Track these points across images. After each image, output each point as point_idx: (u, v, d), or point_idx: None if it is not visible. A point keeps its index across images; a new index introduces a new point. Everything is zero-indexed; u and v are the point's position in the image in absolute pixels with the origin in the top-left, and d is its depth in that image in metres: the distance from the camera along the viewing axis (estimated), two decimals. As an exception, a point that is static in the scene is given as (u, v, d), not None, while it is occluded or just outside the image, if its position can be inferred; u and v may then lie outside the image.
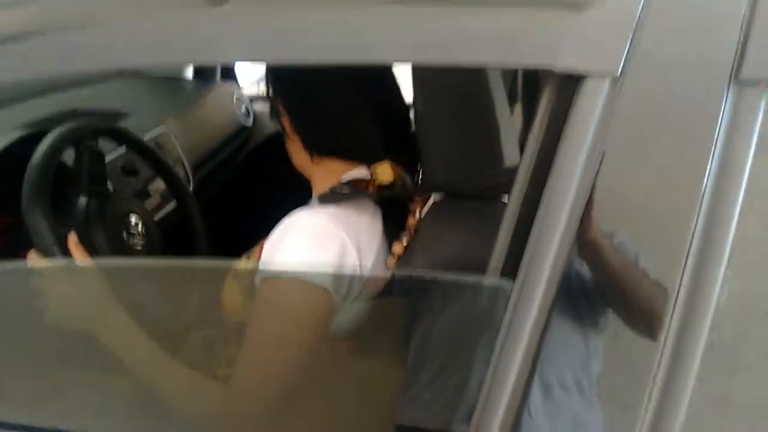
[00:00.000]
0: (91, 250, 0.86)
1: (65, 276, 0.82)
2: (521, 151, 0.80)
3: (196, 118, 1.72)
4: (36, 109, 1.39)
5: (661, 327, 0.51)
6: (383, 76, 0.89)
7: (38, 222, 0.83)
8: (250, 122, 2.01)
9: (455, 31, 0.50)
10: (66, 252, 0.83)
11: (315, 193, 0.90)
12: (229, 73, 2.11)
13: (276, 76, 0.89)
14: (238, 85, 2.10)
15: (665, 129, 0.51)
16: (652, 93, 0.50)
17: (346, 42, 0.54)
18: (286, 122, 0.89)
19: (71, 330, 0.81)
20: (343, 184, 0.85)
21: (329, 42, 0.55)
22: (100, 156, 1.00)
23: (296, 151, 0.90)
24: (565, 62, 0.49)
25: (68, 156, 0.96)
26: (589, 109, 0.49)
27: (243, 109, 1.99)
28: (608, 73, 0.49)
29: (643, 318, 0.53)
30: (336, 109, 0.84)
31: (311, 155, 0.87)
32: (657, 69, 0.50)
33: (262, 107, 2.06)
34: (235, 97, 1.98)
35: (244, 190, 1.89)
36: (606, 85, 0.49)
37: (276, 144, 0.92)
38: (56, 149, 0.89)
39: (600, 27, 0.49)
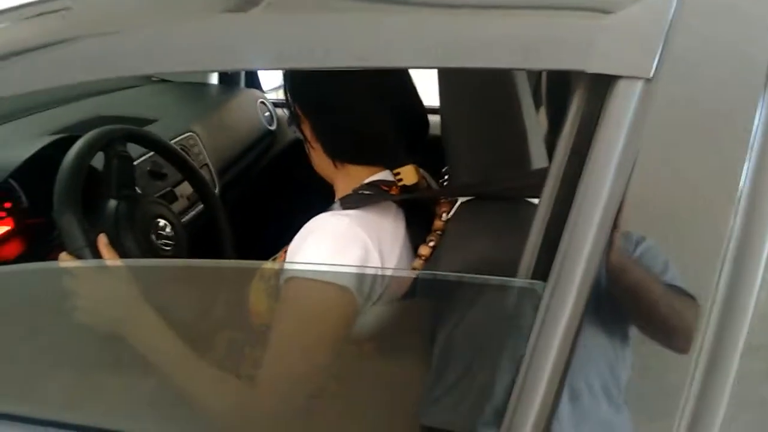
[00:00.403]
0: (121, 252, 0.88)
1: (96, 277, 0.83)
2: (548, 153, 0.80)
3: (221, 123, 1.74)
4: (66, 115, 1.42)
5: (697, 332, 0.50)
6: (402, 80, 0.89)
7: (69, 224, 0.84)
8: (273, 127, 2.03)
9: (487, 35, 0.50)
10: (96, 254, 0.84)
11: (338, 197, 0.90)
12: (252, 79, 2.13)
13: (296, 83, 0.89)
14: (262, 91, 2.13)
15: (699, 131, 0.50)
16: (685, 95, 0.50)
17: (377, 47, 0.54)
18: (306, 129, 0.89)
19: (101, 330, 0.83)
20: (365, 185, 0.86)
21: (356, 47, 0.55)
22: (129, 160, 1.01)
23: (318, 158, 0.91)
24: (597, 64, 0.48)
25: (97, 160, 0.98)
26: (622, 111, 0.49)
27: (266, 114, 2.01)
28: (641, 74, 0.48)
29: (678, 322, 0.52)
30: (357, 115, 0.85)
31: (334, 161, 0.88)
32: (690, 70, 0.49)
33: (285, 112, 2.08)
34: (258, 102, 2.00)
35: (269, 194, 1.90)
36: (638, 87, 0.48)
37: (299, 149, 0.93)
38: (87, 153, 0.91)
39: (632, 28, 0.49)
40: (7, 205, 1.12)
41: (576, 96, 0.51)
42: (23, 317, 0.84)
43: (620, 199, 0.50)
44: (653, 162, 0.50)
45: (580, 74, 0.50)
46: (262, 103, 2.02)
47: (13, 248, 1.10)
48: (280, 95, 2.24)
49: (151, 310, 0.79)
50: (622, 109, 0.49)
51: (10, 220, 1.11)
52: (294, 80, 0.89)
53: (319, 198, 0.97)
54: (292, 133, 1.98)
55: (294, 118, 0.91)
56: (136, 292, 0.80)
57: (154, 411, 0.83)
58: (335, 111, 0.85)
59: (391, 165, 0.86)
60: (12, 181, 1.13)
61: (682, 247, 0.52)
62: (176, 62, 0.61)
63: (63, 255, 0.86)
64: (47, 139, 1.13)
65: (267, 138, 1.97)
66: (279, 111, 2.09)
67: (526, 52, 0.50)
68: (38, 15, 0.65)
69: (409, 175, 0.85)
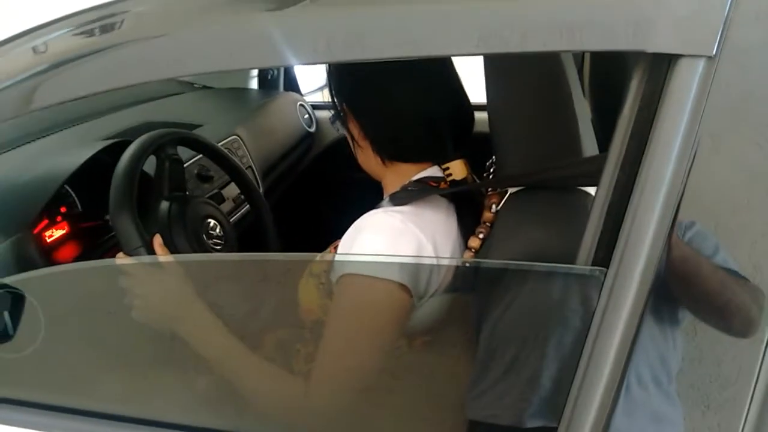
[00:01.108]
0: (174, 252, 0.90)
1: (152, 276, 0.85)
2: (598, 139, 0.79)
3: (263, 127, 1.77)
4: (114, 122, 1.46)
5: (765, 320, 0.48)
6: (449, 76, 0.88)
7: (126, 226, 0.86)
8: (313, 129, 2.05)
9: (545, 19, 0.49)
10: (152, 253, 0.86)
11: (386, 195, 0.90)
12: (291, 83, 2.16)
13: (344, 82, 0.88)
14: (300, 94, 2.15)
15: (763, 109, 0.49)
16: (748, 72, 0.48)
17: (419, 36, 0.54)
18: (354, 128, 0.89)
19: (157, 327, 0.84)
20: (414, 182, 0.86)
21: (396, 36, 0.54)
22: (180, 163, 1.04)
23: (366, 156, 0.91)
24: (657, 44, 0.47)
25: (147, 165, 1.00)
26: (684, 91, 0.47)
27: (306, 117, 2.04)
28: (703, 52, 0.47)
29: (746, 310, 0.50)
30: (407, 114, 0.84)
31: (383, 159, 0.88)
32: (753, 48, 0.48)
33: (325, 114, 2.10)
34: (298, 105, 2.02)
35: (310, 195, 1.92)
36: (701, 65, 0.47)
37: (338, 150, 0.94)
38: (140, 157, 0.93)
39: (693, 6, 0.48)
40: (63, 209, 1.16)
41: (635, 77, 0.50)
42: (83, 313, 0.86)
43: (683, 182, 0.48)
44: (716, 142, 0.49)
45: (639, 55, 0.49)
46: (302, 105, 2.04)
47: (70, 251, 1.14)
48: (318, 98, 2.26)
49: (206, 308, 0.81)
50: (685, 88, 0.47)
51: (65, 224, 1.15)
52: (341, 79, 0.89)
53: (361, 196, 0.97)
54: (335, 132, 1.99)
55: (339, 118, 0.91)
56: (191, 289, 0.81)
57: (209, 405, 0.84)
58: (385, 110, 0.85)
59: (440, 161, 0.86)
60: (66, 187, 1.17)
61: (744, 230, 0.51)
62: (225, 61, 0.62)
63: (120, 255, 0.88)
64: (99, 145, 1.16)
65: (307, 140, 2.00)
66: (318, 113, 2.11)
67: (582, 35, 0.49)
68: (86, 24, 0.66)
69: (458, 169, 0.84)
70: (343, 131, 0.92)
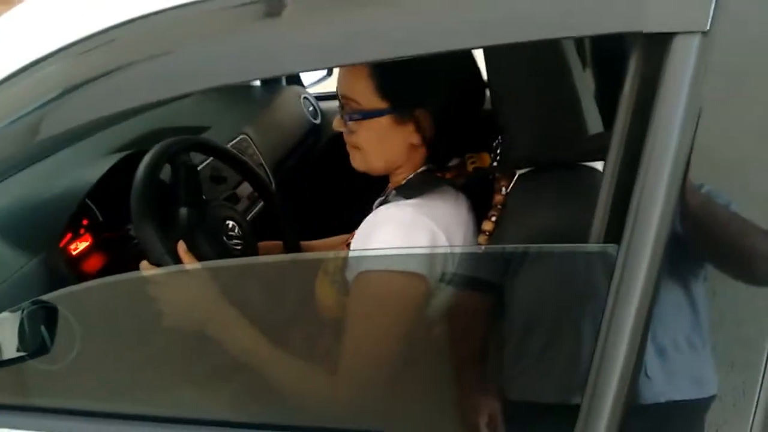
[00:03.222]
0: (198, 256, 0.92)
1: (180, 281, 0.88)
2: (603, 117, 0.80)
3: (270, 123, 1.78)
4: (125, 132, 1.48)
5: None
6: (476, 67, 0.88)
7: (149, 235, 0.89)
8: (318, 120, 2.06)
9: (538, 7, 0.51)
10: (177, 260, 0.89)
11: (392, 186, 0.91)
12: (293, 77, 2.16)
13: (423, 86, 0.83)
14: (303, 87, 2.16)
15: (761, 80, 0.50)
16: (744, 44, 0.49)
17: (422, 31, 0.55)
18: (413, 133, 0.84)
19: (188, 331, 0.87)
20: (420, 173, 0.87)
21: (390, 36, 0.56)
22: (194, 168, 1.06)
23: (376, 156, 0.87)
24: (652, 23, 0.48)
25: (163, 173, 1.03)
26: (682, 67, 0.49)
27: (311, 109, 2.05)
28: (697, 28, 0.48)
29: (765, 274, 0.52)
30: (463, 115, 0.86)
31: (427, 162, 0.88)
32: (747, 19, 0.49)
33: (330, 105, 2.11)
34: (302, 98, 2.03)
35: (322, 186, 1.94)
36: (696, 41, 0.48)
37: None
38: (156, 165, 0.96)
39: (685, -17, 0.49)
40: (85, 222, 1.19)
41: (633, 57, 0.51)
42: (116, 325, 0.89)
43: (687, 155, 0.50)
44: (717, 114, 0.50)
45: (635, 35, 0.50)
46: (305, 98, 2.06)
47: (95, 262, 1.17)
48: (320, 89, 2.26)
49: (233, 308, 0.83)
50: (682, 64, 0.49)
51: (88, 236, 1.18)
52: (421, 83, 0.83)
53: (369, 186, 0.99)
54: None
55: (367, 115, 0.84)
56: (218, 292, 0.84)
57: (243, 404, 0.87)
58: (448, 114, 0.84)
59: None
60: (87, 200, 1.20)
61: (750, 196, 0.52)
62: (234, 73, 0.63)
63: (144, 264, 0.90)
64: (115, 158, 1.19)
65: (313, 132, 2.01)
66: (323, 104, 2.12)
67: (576, 20, 0.50)
68: (87, 51, 0.67)
69: (482, 158, 0.87)
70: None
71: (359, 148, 0.87)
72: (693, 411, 0.58)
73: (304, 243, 1.26)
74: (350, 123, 0.85)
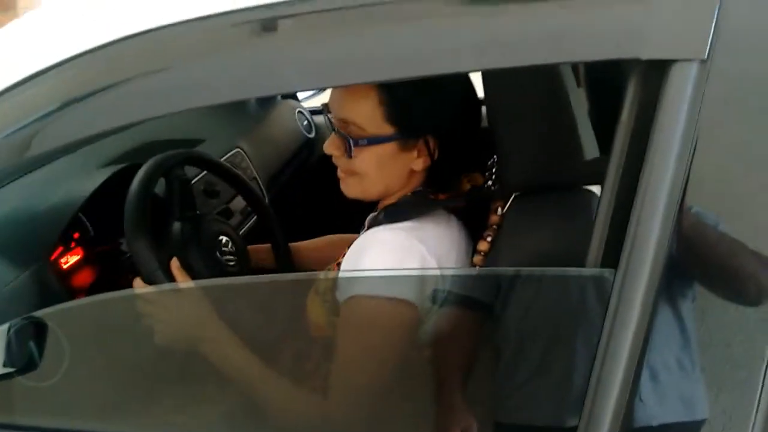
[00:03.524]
0: (190, 272, 0.92)
1: (172, 300, 0.87)
2: (599, 142, 0.80)
3: (264, 137, 1.78)
4: (117, 144, 1.47)
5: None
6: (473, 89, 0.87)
7: (142, 249, 0.88)
8: (312, 135, 2.07)
9: (537, 32, 0.51)
10: (169, 276, 0.88)
11: (382, 206, 0.88)
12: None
13: (432, 112, 0.81)
14: (297, 101, 2.16)
15: (758, 109, 0.51)
16: (742, 73, 0.50)
17: (422, 54, 0.56)
18: (417, 159, 0.83)
19: (179, 349, 0.86)
20: (413, 194, 0.86)
21: (409, 56, 0.56)
22: (188, 182, 1.05)
23: (371, 183, 0.85)
24: (651, 50, 0.49)
25: (156, 187, 1.02)
26: (680, 94, 0.49)
27: (305, 123, 2.05)
28: (696, 56, 0.49)
29: (757, 277, 0.52)
30: (466, 138, 0.85)
31: (424, 185, 0.87)
32: (745, 48, 0.50)
33: (323, 119, 2.11)
34: (296, 112, 2.03)
35: (315, 200, 1.94)
36: (694, 68, 0.49)
37: None
38: (151, 180, 0.95)
39: (683, 10, 0.49)
40: (76, 235, 1.18)
41: (631, 83, 0.52)
42: (106, 342, 0.88)
43: (684, 181, 0.50)
44: (714, 141, 0.51)
45: (634, 61, 0.51)
46: (300, 112, 2.06)
47: (86, 276, 1.16)
48: (313, 103, 2.27)
49: (225, 327, 0.82)
50: (680, 91, 0.49)
51: (79, 249, 1.17)
52: (430, 109, 0.80)
53: (362, 201, 0.98)
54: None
55: (373, 141, 0.81)
56: (210, 310, 0.83)
57: (231, 423, 0.86)
58: (441, 135, 0.82)
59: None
60: (79, 213, 1.19)
61: (747, 224, 0.53)
62: (234, 91, 0.63)
63: (137, 281, 0.90)
64: (109, 171, 1.18)
65: (307, 146, 2.01)
66: (317, 118, 2.12)
67: (578, 46, 0.51)
68: (87, 66, 0.67)
69: (477, 178, 0.88)
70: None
71: (356, 173, 0.84)
72: None
73: (292, 245, 1.25)
74: (354, 149, 0.81)
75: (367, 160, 0.82)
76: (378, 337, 0.78)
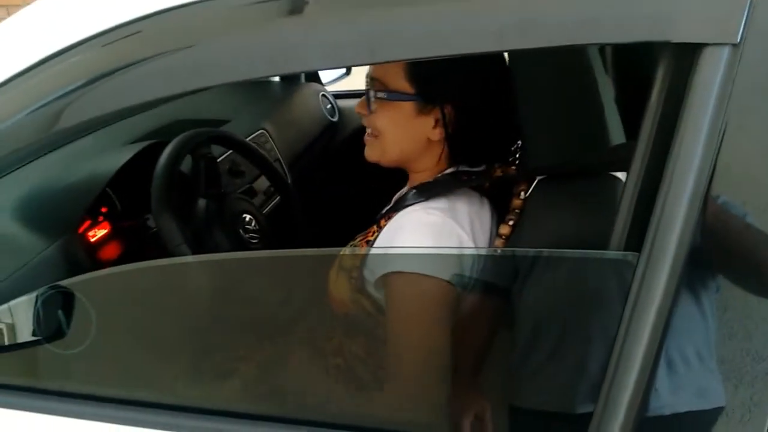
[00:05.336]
0: (214, 248, 0.94)
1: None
2: (625, 127, 0.80)
3: (288, 119, 1.79)
4: (145, 122, 1.50)
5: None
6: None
7: (168, 224, 0.90)
8: (335, 118, 2.07)
9: (568, 13, 0.51)
10: (194, 250, 0.90)
11: (412, 184, 0.90)
12: (312, 73, 2.17)
13: (437, 83, 0.83)
14: (321, 84, 2.17)
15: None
16: None
17: (449, 34, 0.56)
18: (436, 126, 0.84)
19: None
20: (448, 174, 0.87)
21: (415, 38, 0.56)
22: (214, 161, 1.07)
23: (397, 144, 0.87)
24: (682, 33, 0.48)
25: (183, 164, 1.04)
26: (710, 79, 0.49)
27: (329, 107, 2.06)
28: (728, 40, 0.48)
29: None
30: (491, 118, 0.85)
31: (451, 163, 0.88)
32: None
33: (347, 104, 2.12)
34: (320, 95, 2.04)
35: (337, 183, 1.95)
36: (726, 53, 0.48)
37: (362, 137, 0.93)
38: (177, 158, 0.97)
39: (717, -6, 0.49)
40: (104, 210, 1.20)
41: (660, 65, 0.51)
42: (131, 311, 0.90)
43: (711, 169, 0.50)
44: (743, 129, 0.50)
45: (664, 45, 0.50)
46: (324, 96, 2.07)
47: (112, 249, 1.18)
48: (338, 87, 2.27)
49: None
50: (710, 76, 0.48)
51: (106, 223, 1.19)
52: (435, 80, 0.82)
53: (384, 184, 0.99)
54: (354, 122, 2.01)
55: (392, 96, 0.84)
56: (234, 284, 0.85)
57: (254, 393, 0.88)
58: (461, 106, 0.83)
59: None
60: (107, 188, 1.22)
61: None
62: (258, 68, 0.64)
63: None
64: (136, 148, 1.20)
65: (330, 129, 2.02)
66: (340, 102, 2.13)
67: (604, 27, 0.50)
68: (114, 42, 0.68)
69: (510, 171, 0.87)
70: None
71: (376, 134, 0.87)
72: (698, 423, 0.58)
73: None
74: (373, 101, 0.85)
75: (385, 117, 0.85)
76: (420, 310, 0.78)
